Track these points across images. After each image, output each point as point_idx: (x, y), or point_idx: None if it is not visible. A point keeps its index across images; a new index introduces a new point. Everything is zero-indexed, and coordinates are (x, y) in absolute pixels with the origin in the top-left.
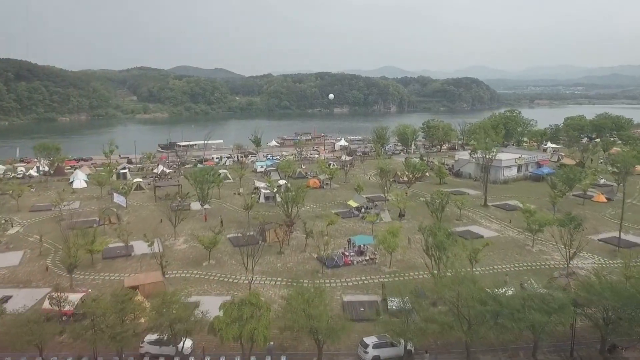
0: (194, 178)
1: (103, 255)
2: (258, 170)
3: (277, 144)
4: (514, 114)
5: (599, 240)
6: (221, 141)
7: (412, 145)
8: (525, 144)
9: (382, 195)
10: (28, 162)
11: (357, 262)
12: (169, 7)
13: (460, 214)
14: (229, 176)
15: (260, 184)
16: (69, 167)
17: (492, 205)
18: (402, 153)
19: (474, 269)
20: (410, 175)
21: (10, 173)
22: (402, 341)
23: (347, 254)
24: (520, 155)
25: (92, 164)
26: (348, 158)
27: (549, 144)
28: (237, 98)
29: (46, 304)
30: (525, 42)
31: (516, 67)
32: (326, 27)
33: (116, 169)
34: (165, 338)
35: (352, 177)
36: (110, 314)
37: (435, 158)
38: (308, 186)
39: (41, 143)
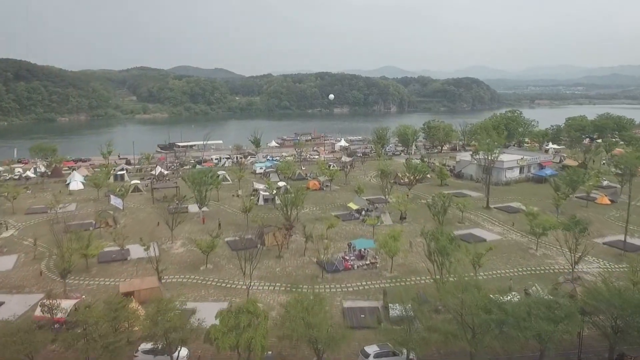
0: (192, 180)
1: (98, 260)
2: (257, 172)
3: (276, 145)
4: (515, 114)
5: (604, 243)
6: (220, 141)
7: (413, 146)
8: (527, 145)
9: (383, 197)
10: (26, 163)
11: (358, 267)
12: (169, 7)
13: (462, 217)
14: (228, 177)
15: (259, 186)
16: (66, 168)
17: (494, 208)
18: (402, 154)
19: (478, 274)
20: (411, 177)
21: (7, 174)
22: (405, 350)
23: (347, 258)
24: (522, 156)
25: (90, 164)
26: (348, 159)
27: (551, 145)
28: (237, 98)
29: (38, 312)
30: (525, 42)
31: (516, 67)
32: (326, 27)
33: (114, 170)
34: (159, 347)
35: (353, 178)
36: (103, 322)
37: (436, 159)
38: (308, 188)
39: (38, 144)
